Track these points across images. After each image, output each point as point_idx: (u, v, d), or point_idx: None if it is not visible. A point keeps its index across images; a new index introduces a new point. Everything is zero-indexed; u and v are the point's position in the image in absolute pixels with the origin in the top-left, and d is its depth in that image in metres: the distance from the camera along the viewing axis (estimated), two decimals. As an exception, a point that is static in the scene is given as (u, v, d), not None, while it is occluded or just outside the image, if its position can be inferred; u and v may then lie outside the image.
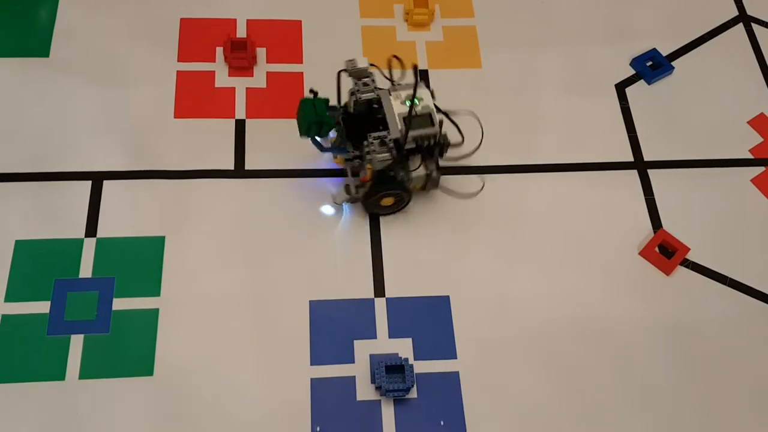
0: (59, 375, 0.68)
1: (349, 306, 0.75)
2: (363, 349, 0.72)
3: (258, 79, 0.89)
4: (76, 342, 0.70)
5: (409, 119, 0.69)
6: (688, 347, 0.75)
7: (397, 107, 0.72)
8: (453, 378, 0.71)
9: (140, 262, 0.75)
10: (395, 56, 0.75)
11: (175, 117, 0.84)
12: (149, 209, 0.78)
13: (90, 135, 0.81)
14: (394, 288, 0.76)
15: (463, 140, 0.80)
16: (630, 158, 0.86)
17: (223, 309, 0.73)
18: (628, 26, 0.96)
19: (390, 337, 0.73)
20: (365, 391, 0.70)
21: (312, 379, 0.70)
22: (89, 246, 0.75)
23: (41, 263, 0.73)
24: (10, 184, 0.78)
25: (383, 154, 0.70)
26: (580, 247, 0.79)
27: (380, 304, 0.75)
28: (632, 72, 0.93)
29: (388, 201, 0.76)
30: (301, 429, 0.68)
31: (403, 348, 0.73)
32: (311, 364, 0.71)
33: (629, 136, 0.88)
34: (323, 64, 0.90)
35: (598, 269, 0.78)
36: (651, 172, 0.85)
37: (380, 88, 0.74)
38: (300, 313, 0.74)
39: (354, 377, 0.71)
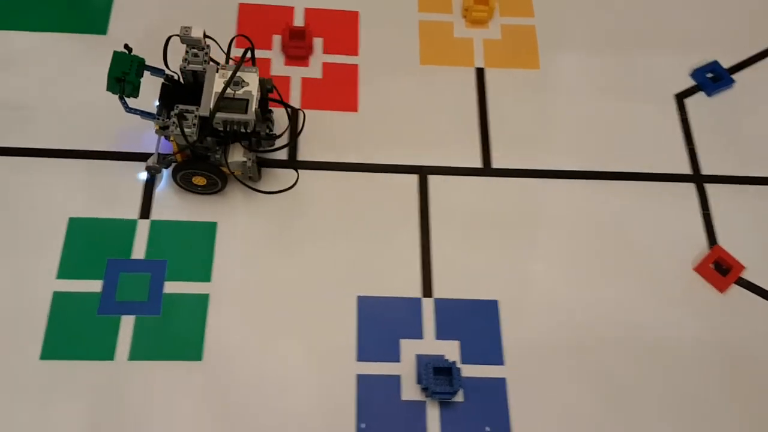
0: (109, 355, 0.69)
1: (397, 304, 0.74)
2: (409, 348, 0.72)
3: (314, 69, 0.88)
4: (127, 323, 0.70)
5: (220, 99, 0.67)
6: (739, 366, 0.74)
7: (218, 86, 0.68)
8: (499, 384, 0.71)
9: (192, 246, 0.75)
10: (243, 35, 0.73)
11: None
12: (202, 196, 0.78)
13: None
14: (442, 289, 0.76)
15: (277, 135, 0.77)
16: (687, 171, 0.85)
17: (270, 299, 0.73)
18: (690, 36, 0.94)
19: (437, 338, 0.73)
20: (410, 391, 0.70)
21: (358, 375, 0.70)
22: (143, 228, 0.75)
23: (94, 242, 0.74)
24: (65, 160, 0.78)
25: (185, 129, 0.66)
26: (632, 258, 0.78)
27: (428, 305, 0.75)
28: (692, 83, 0.91)
29: (199, 180, 0.74)
30: (346, 424, 0.68)
31: (450, 350, 0.72)
32: (358, 360, 0.71)
33: (688, 149, 0.86)
34: (379, 57, 0.90)
35: (651, 282, 0.77)
36: (708, 187, 0.84)
37: (214, 62, 0.70)
38: (347, 307, 0.74)
39: (399, 376, 0.70)
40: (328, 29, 0.91)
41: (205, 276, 0.73)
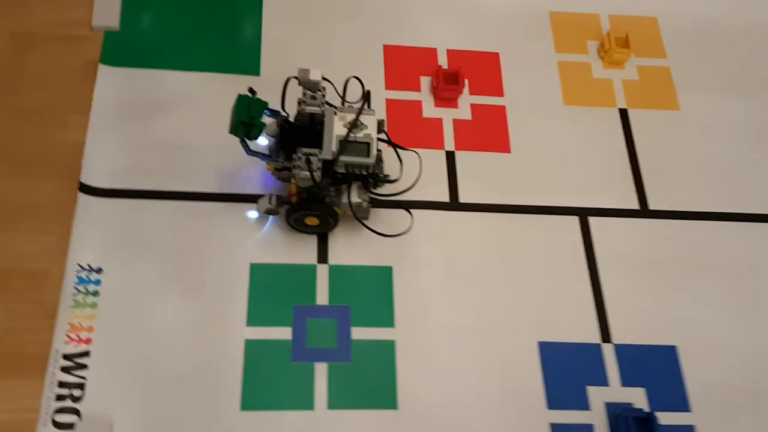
0: (308, 404, 0.69)
1: (578, 350, 0.75)
2: (597, 395, 0.73)
3: (463, 111, 0.89)
4: (320, 370, 0.70)
5: (344, 143, 0.68)
6: None
7: (338, 129, 0.68)
8: (689, 431, 0.71)
9: (372, 291, 0.75)
10: (356, 77, 0.74)
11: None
12: (377, 238, 0.78)
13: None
14: (619, 334, 0.76)
15: (392, 179, 0.76)
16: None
17: (453, 344, 0.74)
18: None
19: (622, 384, 0.73)
20: (605, 440, 0.70)
21: (551, 424, 0.71)
22: (323, 272, 0.75)
23: (278, 288, 0.74)
24: (238, 204, 0.78)
25: (307, 172, 0.67)
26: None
27: (608, 350, 0.75)
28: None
29: (312, 221, 0.74)
30: (546, 474, 0.68)
31: (637, 397, 0.73)
32: (548, 408, 0.71)
33: None
34: (524, 98, 0.91)
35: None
36: None
37: (331, 105, 0.71)
38: (530, 353, 0.74)
39: (592, 425, 0.71)
40: (472, 70, 0.92)
41: (389, 321, 0.74)
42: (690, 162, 0.88)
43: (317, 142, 0.68)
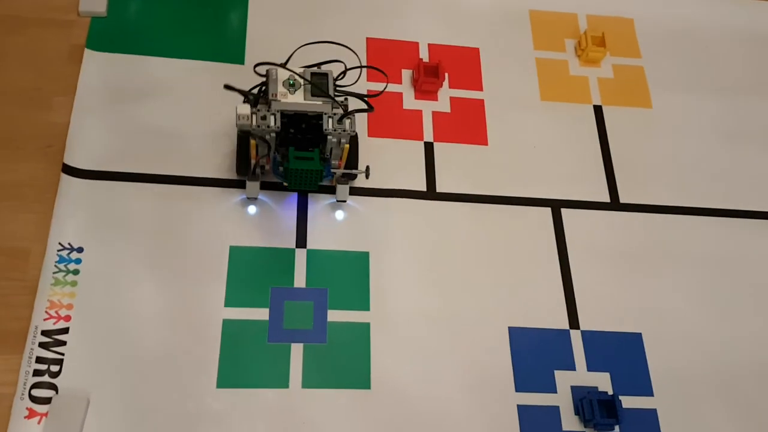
0: (284, 383, 0.70)
1: (547, 336, 0.77)
2: (563, 379, 0.75)
3: (443, 104, 0.91)
4: (296, 350, 0.72)
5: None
6: None
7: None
8: (651, 414, 0.74)
9: (349, 275, 0.77)
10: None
11: (368, 136, 0.87)
12: (352, 225, 0.80)
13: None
14: (586, 321, 0.79)
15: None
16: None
17: (426, 328, 0.76)
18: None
19: (588, 369, 0.76)
20: (570, 422, 0.73)
21: (518, 405, 0.73)
22: (301, 256, 0.77)
23: (256, 270, 0.75)
24: (219, 189, 0.80)
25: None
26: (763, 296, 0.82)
27: (576, 336, 0.78)
28: (798, 127, 0.96)
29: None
30: (514, 454, 0.70)
31: (602, 381, 0.75)
32: (516, 391, 0.74)
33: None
34: (502, 93, 0.93)
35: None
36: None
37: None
38: (500, 338, 0.76)
39: (558, 407, 0.73)
40: (452, 65, 0.94)
41: (364, 305, 0.76)
42: (660, 158, 0.91)
43: (315, 139, 0.71)
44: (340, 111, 0.71)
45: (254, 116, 0.69)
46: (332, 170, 0.75)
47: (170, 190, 0.79)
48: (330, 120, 0.70)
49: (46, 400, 0.66)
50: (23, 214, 0.75)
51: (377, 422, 0.70)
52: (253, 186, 0.77)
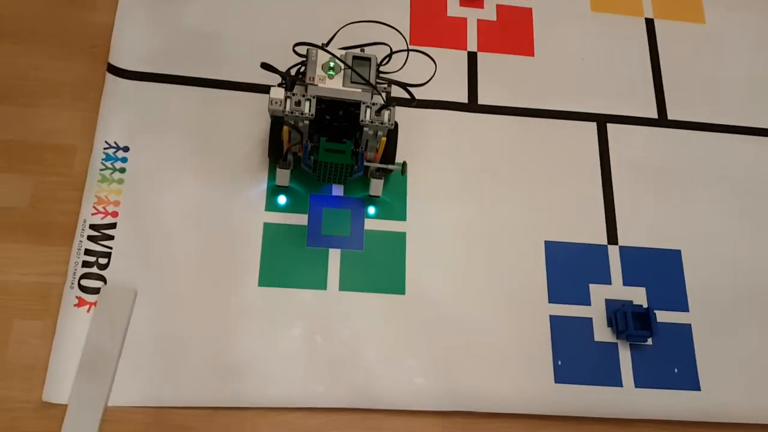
0: (321, 285, 0.72)
1: (584, 250, 0.77)
2: (598, 293, 0.75)
3: (488, 12, 0.89)
4: (334, 255, 0.73)
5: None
6: None
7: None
8: (685, 329, 0.74)
9: (386, 185, 0.77)
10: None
11: (411, 43, 0.85)
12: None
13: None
14: (626, 237, 0.78)
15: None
16: None
17: (462, 240, 0.76)
18: None
19: (624, 284, 0.76)
20: (602, 333, 0.73)
21: (551, 316, 0.74)
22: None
23: (296, 177, 0.76)
24: (262, 95, 0.80)
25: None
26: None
27: (613, 252, 0.77)
28: None
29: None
30: (544, 361, 0.72)
31: (637, 296, 0.75)
32: (549, 302, 0.74)
33: None
34: (552, 2, 0.90)
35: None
36: None
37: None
38: (536, 251, 0.76)
39: (591, 319, 0.74)
40: (498, -29, 0.90)
41: (401, 215, 0.76)
42: (711, 75, 0.88)
43: (351, 128, 0.68)
44: (381, 100, 0.67)
45: (288, 101, 0.65)
46: (366, 164, 0.71)
47: (214, 93, 0.79)
48: (368, 110, 0.66)
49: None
50: (68, 111, 0.76)
51: (410, 326, 0.71)
52: (283, 174, 0.72)
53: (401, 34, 0.75)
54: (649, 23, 0.90)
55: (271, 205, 0.75)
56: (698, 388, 0.72)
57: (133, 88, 0.78)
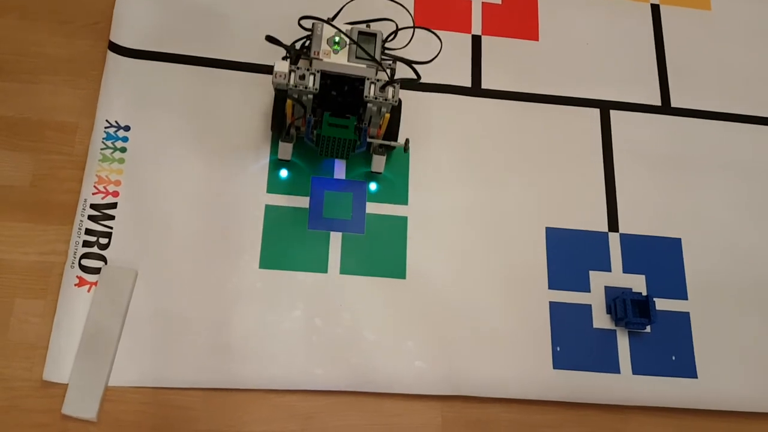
0: (322, 268, 0.72)
1: (584, 237, 0.77)
2: (598, 280, 0.75)
3: (493, -6, 0.88)
4: (335, 239, 0.73)
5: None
6: None
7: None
8: (684, 317, 0.75)
9: (388, 169, 0.76)
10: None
11: (415, 25, 0.84)
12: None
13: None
14: (626, 224, 0.78)
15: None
16: None
17: (463, 225, 0.76)
18: None
19: (624, 271, 0.76)
20: (601, 320, 0.74)
21: (551, 302, 0.74)
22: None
23: (298, 158, 0.76)
24: (263, 76, 0.79)
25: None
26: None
27: (614, 239, 0.77)
28: None
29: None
30: (543, 346, 0.72)
31: (637, 284, 0.76)
32: (549, 288, 0.74)
33: None
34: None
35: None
36: None
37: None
38: (537, 237, 0.76)
39: (590, 306, 0.74)
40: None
41: (403, 199, 0.76)
42: (715, 62, 0.87)
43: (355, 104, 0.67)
44: (385, 77, 0.66)
45: (292, 74, 0.65)
46: (369, 140, 0.71)
47: (216, 73, 0.79)
48: (372, 87, 0.66)
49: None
50: (69, 89, 0.75)
51: (411, 310, 0.72)
52: (285, 147, 0.71)
53: (407, 10, 0.74)
54: (655, 9, 0.90)
55: (273, 187, 0.75)
56: (695, 376, 0.72)
57: (134, 67, 0.77)
